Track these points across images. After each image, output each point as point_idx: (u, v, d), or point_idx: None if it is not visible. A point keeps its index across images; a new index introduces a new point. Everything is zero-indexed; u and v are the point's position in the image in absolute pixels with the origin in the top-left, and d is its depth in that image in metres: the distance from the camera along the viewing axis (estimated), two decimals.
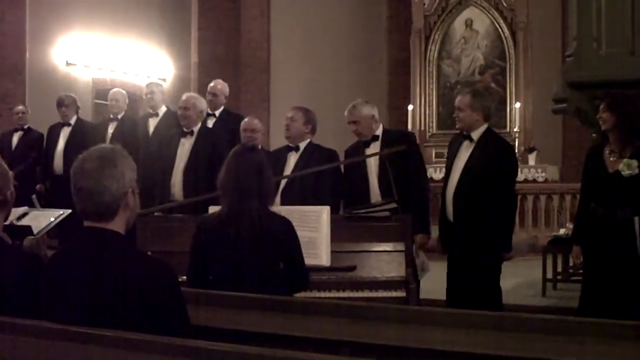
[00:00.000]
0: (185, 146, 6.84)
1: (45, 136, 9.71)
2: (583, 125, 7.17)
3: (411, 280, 4.94)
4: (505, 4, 13.68)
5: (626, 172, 5.06)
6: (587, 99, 6.30)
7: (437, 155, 13.29)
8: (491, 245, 5.54)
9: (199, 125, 6.91)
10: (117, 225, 2.65)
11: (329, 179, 5.84)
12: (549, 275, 8.20)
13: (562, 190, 11.97)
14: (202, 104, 7.08)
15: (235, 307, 3.22)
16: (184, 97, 7.08)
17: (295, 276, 3.99)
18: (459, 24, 14.15)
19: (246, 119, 6.81)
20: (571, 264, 8.37)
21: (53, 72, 13.86)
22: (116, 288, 2.51)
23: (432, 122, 14.08)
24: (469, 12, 14.07)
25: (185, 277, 3.85)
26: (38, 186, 9.39)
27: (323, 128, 6.50)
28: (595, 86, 6.19)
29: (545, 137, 13.99)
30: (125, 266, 2.57)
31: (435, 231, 5.96)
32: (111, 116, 8.98)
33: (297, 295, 4.08)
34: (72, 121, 9.48)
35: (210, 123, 7.59)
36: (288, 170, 5.93)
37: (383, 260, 5.04)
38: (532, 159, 13.08)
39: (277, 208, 4.77)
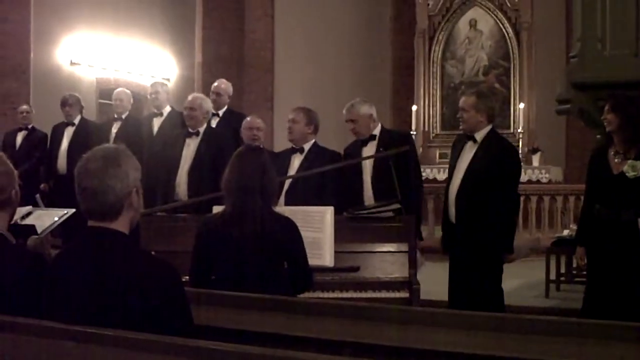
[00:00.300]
0: (190, 146, 6.85)
1: (49, 136, 9.72)
2: (587, 126, 7.17)
3: (414, 281, 4.95)
4: (509, 5, 13.67)
5: (631, 174, 5.05)
6: (591, 100, 6.30)
7: (441, 156, 13.28)
8: (493, 246, 5.54)
9: (205, 125, 6.93)
10: (121, 225, 2.65)
11: (333, 180, 5.85)
12: (552, 276, 8.18)
13: (565, 191, 11.95)
14: (208, 104, 7.10)
15: (237, 307, 3.22)
16: (190, 97, 7.09)
17: (298, 277, 3.99)
18: (463, 25, 14.14)
19: (248, 118, 6.80)
20: (574, 265, 8.37)
21: (57, 72, 13.88)
22: (119, 287, 2.51)
23: (436, 123, 14.07)
24: (473, 13, 14.06)
25: (187, 277, 3.85)
26: (42, 185, 9.40)
27: (326, 128, 6.51)
28: (599, 87, 6.18)
29: (549, 138, 13.98)
30: (129, 266, 2.57)
31: (438, 231, 5.97)
32: (115, 116, 8.98)
33: (300, 295, 4.07)
34: (76, 121, 9.49)
35: (213, 123, 7.58)
36: (292, 171, 5.93)
37: (386, 260, 5.05)
38: (535, 159, 13.07)
39: (281, 208, 4.78)
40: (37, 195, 5.28)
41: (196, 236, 3.99)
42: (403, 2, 15.68)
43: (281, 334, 3.01)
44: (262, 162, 3.93)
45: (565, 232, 8.67)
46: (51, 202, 7.32)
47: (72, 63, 14.24)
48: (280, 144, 7.68)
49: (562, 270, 8.48)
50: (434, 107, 14.06)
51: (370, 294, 4.89)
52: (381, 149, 5.91)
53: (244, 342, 2.48)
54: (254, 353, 2.24)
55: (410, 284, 4.92)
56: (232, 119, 7.75)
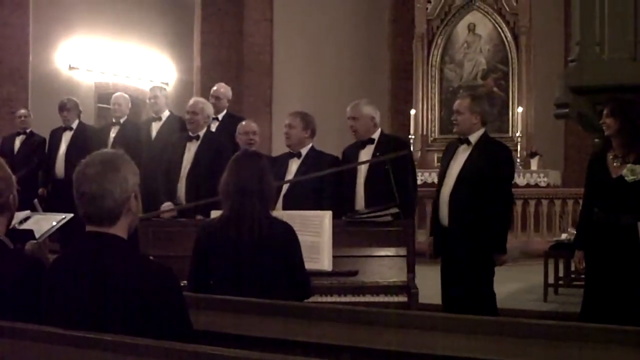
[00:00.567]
0: (191, 150, 6.86)
1: (47, 140, 9.71)
2: (585, 130, 7.17)
3: (412, 285, 4.94)
4: (507, 9, 13.67)
5: (630, 178, 5.05)
6: (589, 104, 6.30)
7: (439, 160, 13.25)
8: (486, 248, 5.58)
9: (205, 129, 6.94)
10: (120, 229, 2.65)
11: (330, 184, 5.85)
12: (551, 280, 8.18)
13: (564, 195, 11.96)
14: (210, 109, 7.12)
15: (236, 311, 3.21)
16: (191, 101, 7.10)
17: (296, 283, 3.98)
18: (461, 29, 14.13)
19: (243, 122, 6.78)
20: (573, 269, 8.37)
21: (56, 76, 13.89)
22: (118, 292, 2.51)
23: (435, 127, 14.06)
24: (471, 17, 14.06)
25: (186, 282, 3.85)
26: (40, 190, 9.39)
27: (325, 132, 6.52)
28: (597, 91, 6.18)
29: (548, 142, 13.99)
30: (127, 270, 2.57)
31: (422, 235, 5.99)
32: (113, 120, 8.99)
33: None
34: (74, 125, 9.49)
35: (213, 127, 7.59)
36: (289, 176, 5.94)
37: (385, 265, 5.05)
38: (534, 163, 13.07)
39: (279, 212, 4.78)
40: (35, 200, 5.25)
41: (195, 241, 3.99)
42: (402, 5, 15.68)
43: (280, 338, 3.00)
44: (260, 166, 3.93)
45: (564, 236, 8.67)
46: (49, 207, 7.31)
47: (70, 67, 14.26)
48: (279, 148, 7.68)
49: (561, 274, 8.47)
50: (433, 111, 14.05)
51: (368, 298, 4.89)
52: (378, 154, 5.92)
53: (242, 347, 2.47)
54: (253, 358, 2.24)
55: (408, 288, 4.93)
56: (232, 123, 7.74)
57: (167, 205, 6.55)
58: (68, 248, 2.76)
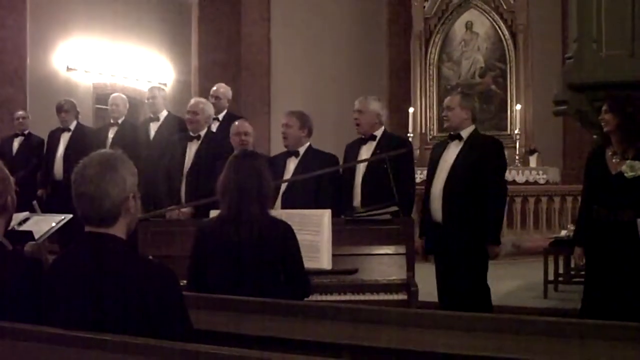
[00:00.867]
0: (192, 151, 6.87)
1: (45, 141, 9.71)
2: (583, 127, 7.17)
3: (412, 283, 4.95)
4: (505, 6, 13.67)
5: (629, 174, 5.06)
6: (587, 101, 6.31)
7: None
8: (480, 240, 5.64)
9: (206, 130, 6.93)
10: (118, 230, 2.65)
11: (329, 183, 5.86)
12: (550, 277, 8.19)
13: (563, 192, 11.98)
14: (210, 109, 7.12)
15: (235, 310, 3.21)
16: (192, 101, 7.11)
17: (295, 282, 3.97)
18: (459, 27, 14.13)
19: (236, 122, 6.71)
20: (573, 265, 8.38)
21: (54, 78, 13.87)
22: (117, 292, 2.51)
23: (433, 125, 14.06)
24: (469, 15, 14.06)
25: (185, 281, 3.85)
26: (39, 191, 9.39)
27: (324, 132, 6.52)
28: (595, 88, 6.19)
29: (546, 139, 13.98)
30: (127, 270, 2.57)
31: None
32: (111, 121, 8.98)
33: None
34: (72, 126, 9.48)
35: (214, 127, 7.58)
36: (288, 175, 5.94)
37: (384, 263, 5.05)
38: (533, 161, 13.07)
39: (278, 211, 4.79)
40: (34, 202, 5.26)
41: (193, 240, 3.99)
42: (399, 4, 15.67)
43: (279, 337, 3.00)
44: (257, 165, 3.94)
45: (563, 233, 8.69)
46: (48, 208, 7.31)
47: (68, 69, 14.24)
48: (277, 148, 7.65)
49: (560, 271, 8.48)
50: (431, 109, 14.05)
51: (368, 297, 4.89)
52: (378, 152, 5.94)
53: (242, 345, 2.47)
54: (253, 357, 2.24)
55: (408, 286, 4.92)
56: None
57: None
58: (67, 249, 2.76)
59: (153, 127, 8.32)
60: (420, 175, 8.41)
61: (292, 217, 4.61)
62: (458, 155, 5.76)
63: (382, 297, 4.90)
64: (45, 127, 9.89)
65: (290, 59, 15.69)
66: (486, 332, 2.76)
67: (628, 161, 5.09)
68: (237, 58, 15.69)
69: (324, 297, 4.81)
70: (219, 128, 7.67)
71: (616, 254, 5.13)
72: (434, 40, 14.17)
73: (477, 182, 5.62)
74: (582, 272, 6.65)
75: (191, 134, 6.93)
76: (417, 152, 12.81)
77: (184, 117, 7.32)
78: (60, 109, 9.46)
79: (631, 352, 2.56)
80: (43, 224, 4.61)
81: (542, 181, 12.60)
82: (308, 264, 4.28)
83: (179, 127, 7.78)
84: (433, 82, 14.17)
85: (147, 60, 15.83)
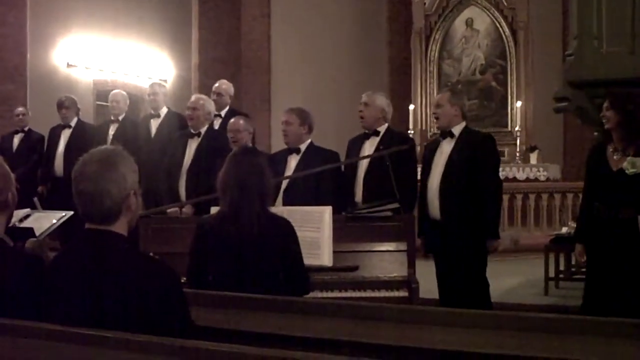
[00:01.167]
0: (192, 147, 6.86)
1: (46, 138, 9.71)
2: (584, 124, 7.17)
3: (413, 279, 4.95)
4: (505, 3, 13.68)
5: (630, 170, 5.05)
6: (587, 98, 6.30)
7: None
8: (480, 235, 5.67)
9: (206, 126, 6.93)
10: (119, 227, 2.64)
11: (330, 179, 5.86)
12: (551, 274, 8.19)
13: (563, 189, 11.99)
14: (210, 105, 7.10)
15: (235, 307, 3.21)
16: (192, 98, 7.11)
17: (294, 279, 3.97)
18: (459, 24, 14.15)
19: (232, 120, 6.73)
20: (573, 262, 8.38)
21: (54, 74, 13.87)
22: (118, 290, 2.51)
23: (433, 122, 14.03)
24: (469, 12, 14.07)
25: (185, 278, 3.85)
26: (39, 188, 9.38)
27: (324, 128, 6.52)
28: (595, 85, 6.19)
29: (547, 136, 14.00)
30: (128, 268, 2.56)
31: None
32: (112, 118, 8.97)
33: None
34: (73, 123, 9.47)
35: (216, 124, 7.57)
36: (289, 172, 5.93)
37: (385, 260, 5.04)
38: (533, 157, 13.09)
39: (280, 208, 4.78)
40: (35, 198, 5.26)
41: (193, 237, 3.99)
42: (399, 1, 15.69)
43: (279, 334, 3.00)
44: (258, 162, 3.93)
45: (564, 230, 8.68)
46: (48, 205, 7.30)
47: (68, 65, 14.23)
48: (278, 145, 7.65)
49: (561, 268, 8.48)
50: (431, 106, 14.04)
51: (369, 293, 4.89)
52: (381, 148, 5.95)
53: (241, 342, 2.47)
54: (252, 353, 2.24)
55: (409, 282, 4.92)
56: None
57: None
58: (68, 245, 2.76)
59: (154, 124, 8.31)
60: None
61: (293, 214, 4.61)
62: (451, 153, 5.79)
63: (383, 294, 4.90)
64: (45, 124, 9.88)
65: (290, 56, 15.70)
66: (486, 329, 2.76)
67: (629, 158, 5.08)
68: (237, 55, 15.70)
69: (324, 294, 4.80)
70: (221, 125, 7.65)
71: (617, 251, 5.12)
72: (434, 37, 14.19)
73: (473, 177, 5.65)
74: (583, 269, 6.65)
75: (192, 130, 6.92)
76: (417, 149, 12.81)
77: (184, 113, 7.31)
78: (60, 106, 9.46)
79: (630, 349, 2.56)
80: (44, 220, 4.61)
81: (542, 178, 12.62)
82: (309, 260, 4.28)
83: (180, 124, 7.78)
84: (433, 79, 14.20)
85: (147, 57, 15.83)
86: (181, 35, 16.04)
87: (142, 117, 9.24)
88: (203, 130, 6.89)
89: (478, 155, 5.73)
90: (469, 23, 14.08)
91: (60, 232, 5.02)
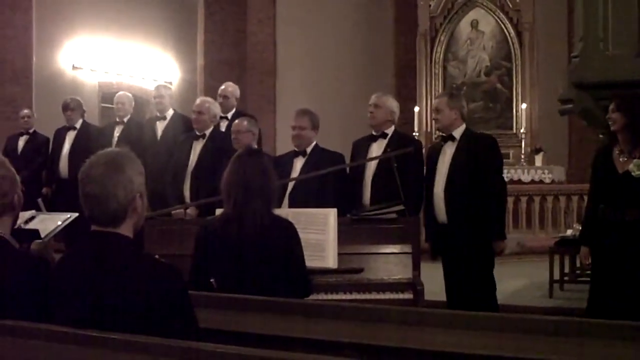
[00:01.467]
0: (196, 149, 6.87)
1: (51, 140, 9.72)
2: (589, 126, 7.16)
3: (418, 282, 4.94)
4: (510, 5, 13.67)
5: (636, 173, 5.05)
6: (593, 100, 6.29)
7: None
8: (486, 237, 5.67)
9: (211, 128, 6.93)
10: (125, 229, 2.64)
11: (336, 182, 5.85)
12: (556, 276, 8.18)
13: (568, 191, 11.97)
14: (216, 108, 7.12)
15: (237, 309, 3.21)
16: (198, 101, 7.11)
17: (297, 282, 3.96)
18: (464, 25, 14.14)
19: (236, 121, 6.69)
20: (578, 265, 8.37)
21: (59, 76, 13.90)
22: (123, 291, 2.51)
23: None
24: (474, 14, 14.07)
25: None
26: (44, 190, 9.40)
27: (329, 130, 6.51)
28: (601, 87, 6.17)
29: (552, 138, 13.97)
30: (133, 270, 2.57)
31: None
32: (117, 119, 8.99)
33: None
34: (78, 125, 9.48)
35: (223, 126, 7.58)
36: (295, 174, 5.93)
37: (390, 262, 5.04)
38: (538, 160, 13.07)
39: (285, 210, 4.78)
40: (39, 200, 5.26)
41: (196, 238, 3.99)
42: (405, 3, 15.67)
43: (281, 335, 3.00)
44: (262, 163, 3.92)
45: (569, 232, 8.68)
46: (53, 207, 7.32)
47: (74, 67, 14.26)
48: (283, 146, 7.65)
49: (566, 270, 8.47)
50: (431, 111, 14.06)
51: (374, 296, 4.89)
52: (389, 150, 5.95)
53: (243, 344, 2.47)
54: (254, 355, 2.24)
55: (414, 285, 4.92)
56: None
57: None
58: (73, 248, 2.76)
59: (160, 126, 8.32)
60: None
61: (298, 216, 4.61)
62: (454, 156, 5.79)
63: (388, 296, 4.89)
64: (51, 126, 9.89)
65: (295, 58, 15.69)
66: (488, 331, 2.76)
67: (635, 160, 5.08)
68: (242, 57, 15.70)
69: (329, 296, 4.80)
70: (227, 127, 7.65)
71: (623, 254, 5.12)
72: (439, 39, 14.18)
73: (477, 179, 5.65)
74: (588, 272, 6.64)
75: (197, 132, 6.93)
76: (422, 151, 12.80)
77: (189, 116, 7.32)
78: (66, 108, 9.47)
79: (635, 352, 2.56)
80: (49, 222, 4.60)
81: (547, 180, 12.60)
82: (314, 262, 4.27)
83: (185, 126, 7.79)
84: (439, 80, 14.19)
85: (152, 59, 15.85)
86: (186, 37, 16.06)
87: (148, 119, 9.25)
88: (208, 132, 6.90)
89: (481, 157, 5.74)
90: (474, 25, 14.07)
91: (64, 234, 5.03)
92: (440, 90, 13.97)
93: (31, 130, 9.90)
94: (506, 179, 6.27)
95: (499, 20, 13.83)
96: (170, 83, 15.41)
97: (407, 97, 14.87)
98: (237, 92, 8.16)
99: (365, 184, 6.02)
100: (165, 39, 15.96)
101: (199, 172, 6.72)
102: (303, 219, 4.62)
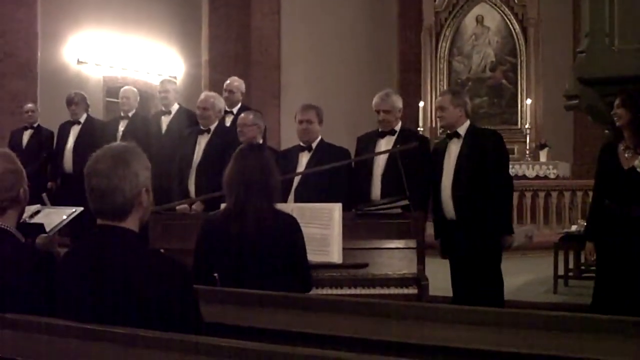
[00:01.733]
0: (201, 144, 6.87)
1: (55, 134, 9.73)
2: (594, 122, 7.15)
3: (423, 277, 4.94)
4: (516, 0, 13.65)
5: None
6: (598, 96, 6.29)
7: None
8: (495, 232, 5.67)
9: (216, 123, 6.94)
10: (131, 223, 2.65)
11: (341, 176, 5.85)
12: (561, 271, 8.17)
13: (573, 187, 11.95)
14: (221, 103, 7.11)
15: (239, 303, 3.21)
16: (202, 96, 7.10)
17: (298, 277, 3.95)
18: (469, 21, 14.12)
19: (241, 114, 6.69)
20: (583, 260, 8.36)
21: (64, 71, 13.92)
22: (129, 285, 2.51)
23: None
24: (479, 9, 14.04)
25: None
26: (48, 184, 9.41)
27: (334, 125, 6.50)
28: (607, 82, 6.16)
29: (557, 134, 13.97)
30: (138, 264, 2.57)
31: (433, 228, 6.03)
32: (122, 114, 8.99)
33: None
34: (82, 119, 9.49)
35: (228, 121, 7.58)
36: (300, 169, 5.92)
37: (395, 257, 5.04)
38: (543, 155, 13.06)
39: (289, 205, 4.78)
40: (44, 194, 5.27)
41: (198, 234, 3.99)
42: None
43: (282, 330, 3.00)
44: (264, 159, 3.92)
45: (574, 228, 8.67)
46: (57, 201, 7.32)
47: (79, 62, 14.29)
48: (288, 141, 7.65)
49: (571, 266, 8.46)
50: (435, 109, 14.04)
51: (378, 291, 4.88)
52: (398, 146, 5.93)
53: (245, 338, 2.47)
54: (254, 349, 2.24)
55: (418, 280, 4.92)
56: None
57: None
58: (79, 241, 2.76)
59: (165, 121, 8.33)
60: None
61: (303, 210, 4.61)
62: (460, 153, 5.77)
63: (393, 291, 4.89)
64: (55, 120, 9.91)
65: (300, 52, 15.69)
66: (491, 327, 2.75)
67: None
68: (247, 51, 15.69)
69: (334, 291, 4.81)
70: (232, 122, 7.65)
71: (627, 249, 5.11)
72: (444, 34, 14.16)
73: (484, 175, 5.64)
74: (593, 267, 6.64)
75: (202, 127, 6.94)
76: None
77: (194, 110, 7.32)
78: (70, 102, 9.48)
79: (632, 347, 2.55)
80: (54, 216, 4.62)
81: (552, 176, 12.59)
82: (318, 257, 4.27)
83: (190, 121, 7.78)
84: (443, 76, 14.17)
85: (157, 53, 15.87)
86: (191, 31, 16.06)
87: (153, 114, 9.26)
88: (213, 126, 6.90)
89: (486, 153, 5.72)
90: (479, 20, 14.05)
91: (69, 228, 5.04)
92: (445, 86, 13.95)
93: (35, 125, 9.92)
94: (511, 175, 6.24)
95: (504, 15, 13.81)
96: (175, 77, 15.41)
97: (411, 93, 14.87)
98: (243, 86, 8.16)
99: (375, 180, 5.99)
100: (170, 33, 15.97)
101: (203, 167, 6.72)
102: (308, 214, 4.62)
